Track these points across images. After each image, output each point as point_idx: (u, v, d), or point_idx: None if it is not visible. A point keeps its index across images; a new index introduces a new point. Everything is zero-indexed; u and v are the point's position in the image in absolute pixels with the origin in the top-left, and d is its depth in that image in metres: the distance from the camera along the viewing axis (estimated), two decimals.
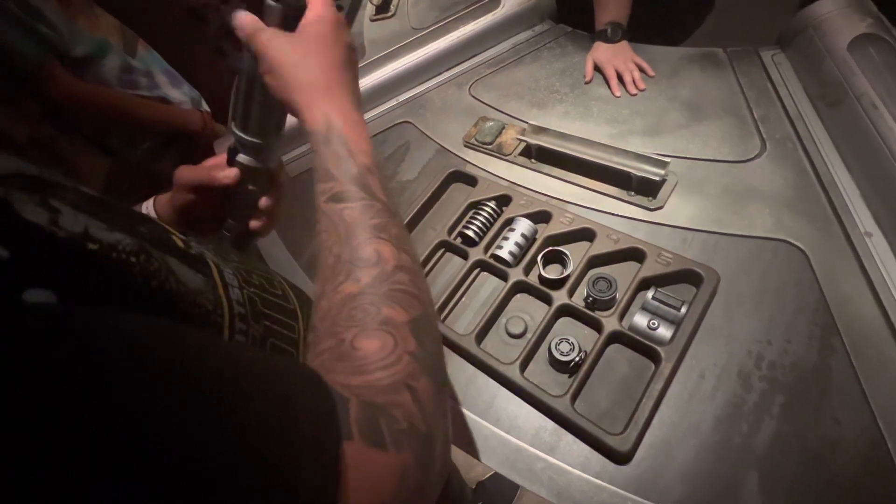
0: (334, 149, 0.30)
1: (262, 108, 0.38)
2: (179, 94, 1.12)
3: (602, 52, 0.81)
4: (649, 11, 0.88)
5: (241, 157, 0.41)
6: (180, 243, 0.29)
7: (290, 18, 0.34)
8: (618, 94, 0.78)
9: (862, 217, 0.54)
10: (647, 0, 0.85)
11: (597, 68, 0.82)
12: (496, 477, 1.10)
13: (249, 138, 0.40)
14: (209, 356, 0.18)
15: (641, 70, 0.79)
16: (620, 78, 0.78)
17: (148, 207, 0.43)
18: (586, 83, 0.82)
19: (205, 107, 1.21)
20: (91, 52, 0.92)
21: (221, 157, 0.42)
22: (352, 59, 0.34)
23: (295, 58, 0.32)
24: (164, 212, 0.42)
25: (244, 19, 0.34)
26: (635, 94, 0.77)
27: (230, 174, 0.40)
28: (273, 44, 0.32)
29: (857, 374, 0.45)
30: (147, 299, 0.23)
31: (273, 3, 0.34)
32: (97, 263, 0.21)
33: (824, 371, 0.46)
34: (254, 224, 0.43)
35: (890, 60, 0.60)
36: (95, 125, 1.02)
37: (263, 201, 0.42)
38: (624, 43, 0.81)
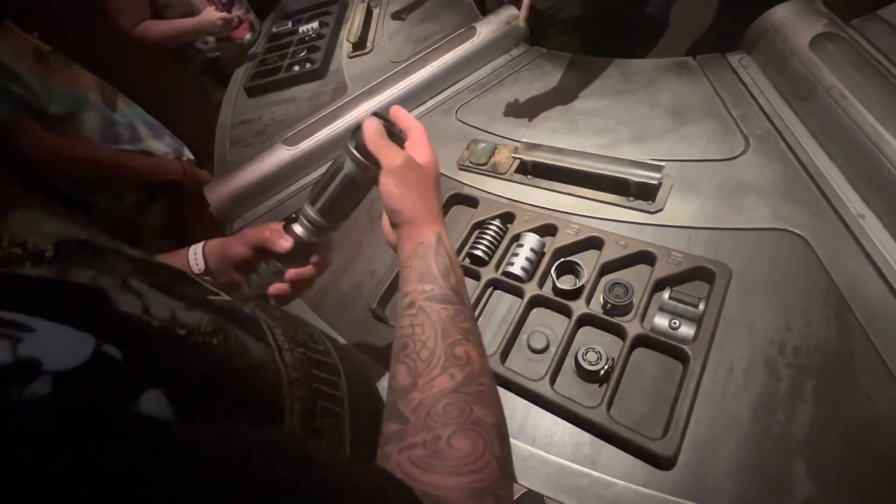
0: (442, 259, 0.35)
1: (347, 203, 0.43)
2: (162, 145, 1.11)
3: None
4: (605, 30, 0.92)
5: (300, 230, 0.44)
6: (229, 306, 0.29)
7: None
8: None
9: (852, 200, 0.57)
10: (602, 19, 0.89)
11: None
12: (522, 498, 1.06)
13: (320, 219, 0.43)
14: (314, 478, 0.18)
15: None
16: None
17: (196, 251, 0.46)
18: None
19: (188, 155, 1.20)
20: (69, 109, 0.91)
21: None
22: (419, 172, 0.40)
23: (423, 184, 0.38)
24: (213, 257, 0.46)
25: (373, 130, 0.39)
26: None
27: (286, 244, 0.43)
28: (408, 168, 0.38)
29: (878, 350, 0.47)
30: (229, 381, 0.23)
31: (395, 132, 0.41)
32: (188, 350, 0.22)
33: (847, 350, 0.47)
34: (274, 289, 0.45)
35: (849, 54, 0.65)
36: (76, 182, 0.99)
37: (292, 272, 0.45)
38: None
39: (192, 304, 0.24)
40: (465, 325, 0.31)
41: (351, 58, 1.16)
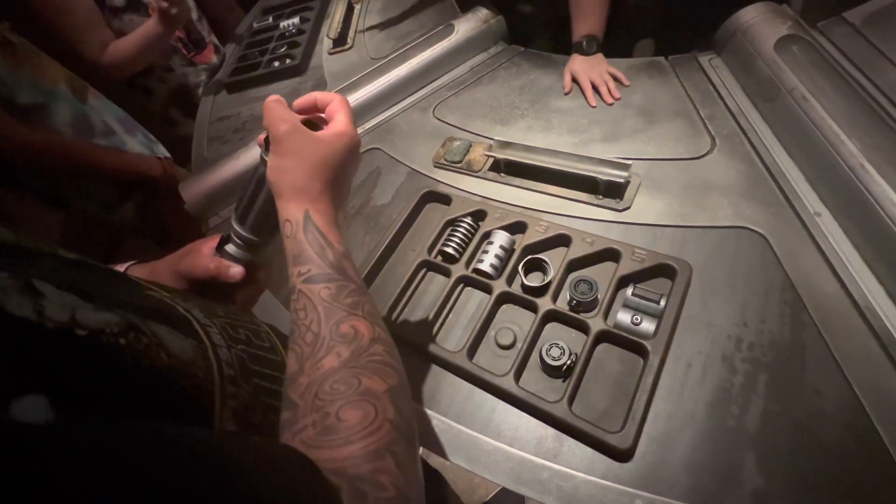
0: (313, 236, 0.32)
1: (264, 208, 0.40)
2: (135, 141, 1.09)
3: (578, 64, 0.85)
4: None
5: (231, 248, 0.42)
6: (169, 302, 0.29)
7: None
8: (594, 104, 0.80)
9: (810, 199, 0.58)
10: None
11: (574, 80, 0.85)
12: (500, 495, 1.08)
13: (244, 233, 0.41)
14: (207, 463, 0.17)
15: (617, 80, 0.82)
16: (596, 90, 0.81)
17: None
18: (566, 94, 0.84)
19: (162, 153, 1.18)
20: (39, 100, 0.89)
21: (214, 243, 0.43)
22: (353, 163, 0.37)
23: (308, 156, 0.34)
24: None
25: (275, 106, 0.35)
26: (612, 104, 0.79)
27: (238, 273, 0.41)
28: (292, 135, 0.34)
29: (829, 346, 0.48)
30: (139, 381, 0.23)
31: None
32: (87, 352, 0.21)
33: (799, 346, 0.49)
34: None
35: (812, 57, 0.66)
36: (48, 177, 0.97)
37: (242, 295, 0.43)
38: (599, 55, 0.85)
39: (105, 305, 0.23)
40: (349, 299, 0.31)
41: (331, 54, 1.16)
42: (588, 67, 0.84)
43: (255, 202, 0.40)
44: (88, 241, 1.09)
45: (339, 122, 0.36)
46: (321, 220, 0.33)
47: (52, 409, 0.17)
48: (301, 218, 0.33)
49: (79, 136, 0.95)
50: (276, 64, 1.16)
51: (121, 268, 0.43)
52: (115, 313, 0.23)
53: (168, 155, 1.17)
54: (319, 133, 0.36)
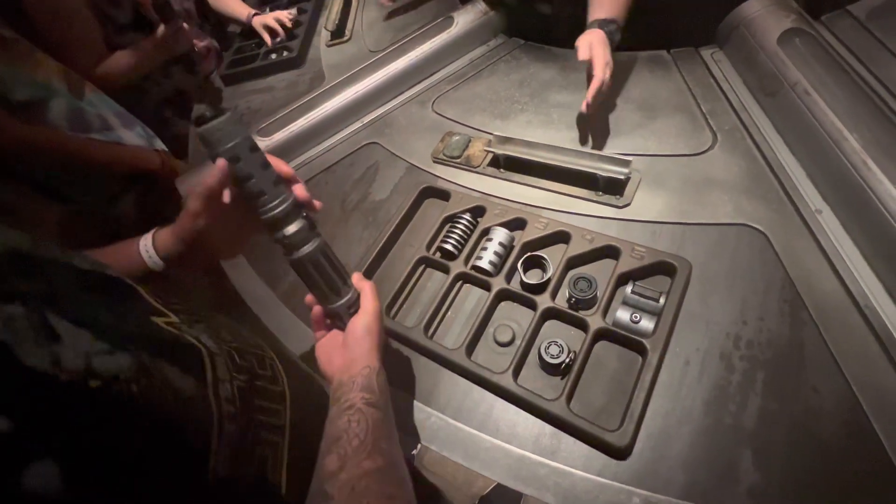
0: (382, 380, 0.43)
1: (311, 277, 0.46)
2: (133, 135, 1.08)
3: (599, 39, 0.70)
4: (582, 22, 0.91)
5: (293, 229, 0.43)
6: (176, 332, 0.29)
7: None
8: (589, 105, 0.69)
9: (811, 196, 0.58)
10: (579, 12, 0.87)
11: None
12: (498, 490, 1.08)
13: (304, 249, 0.44)
14: None
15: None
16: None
17: (148, 247, 0.43)
18: (581, 61, 0.70)
19: (161, 146, 1.17)
20: (35, 95, 0.88)
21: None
22: (381, 327, 0.48)
23: (377, 328, 0.47)
24: (165, 245, 0.43)
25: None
26: (588, 109, 0.69)
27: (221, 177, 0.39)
28: (376, 314, 0.47)
29: (827, 344, 0.48)
30: (148, 427, 0.23)
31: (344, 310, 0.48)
32: (100, 404, 0.21)
33: (797, 344, 0.49)
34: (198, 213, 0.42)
35: (815, 51, 0.66)
36: (45, 171, 0.97)
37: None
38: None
39: (118, 342, 0.23)
40: (389, 429, 0.40)
41: (329, 46, 1.14)
42: (607, 50, 0.70)
43: (320, 277, 0.46)
44: (87, 235, 1.08)
45: (368, 299, 0.47)
46: (383, 371, 0.44)
47: (60, 475, 0.17)
48: (378, 367, 0.44)
49: (75, 131, 0.94)
50: (274, 56, 1.15)
51: (147, 240, 0.43)
52: (128, 353, 0.23)
53: (166, 149, 1.17)
54: (362, 320, 0.47)
